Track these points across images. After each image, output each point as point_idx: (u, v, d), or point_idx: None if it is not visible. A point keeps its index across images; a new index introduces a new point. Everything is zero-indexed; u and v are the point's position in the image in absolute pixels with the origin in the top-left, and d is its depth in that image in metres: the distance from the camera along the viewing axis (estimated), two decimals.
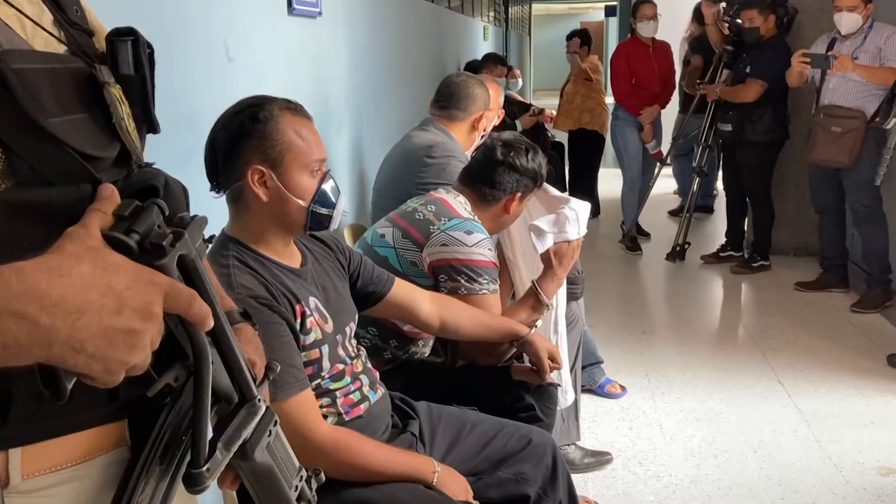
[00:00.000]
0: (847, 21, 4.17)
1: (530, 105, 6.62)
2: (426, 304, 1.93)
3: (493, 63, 6.11)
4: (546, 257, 2.18)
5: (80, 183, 0.72)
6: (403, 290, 1.89)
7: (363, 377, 1.70)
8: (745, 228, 5.37)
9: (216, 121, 1.52)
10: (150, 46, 0.89)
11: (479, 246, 2.13)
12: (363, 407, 1.67)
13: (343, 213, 1.61)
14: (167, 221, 0.74)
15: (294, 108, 1.54)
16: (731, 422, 3.13)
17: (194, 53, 1.93)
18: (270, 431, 0.89)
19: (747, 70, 4.85)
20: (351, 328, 1.70)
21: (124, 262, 0.65)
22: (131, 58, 0.82)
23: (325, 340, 1.59)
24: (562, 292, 2.34)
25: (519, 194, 2.25)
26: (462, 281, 2.10)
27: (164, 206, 0.73)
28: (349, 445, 1.55)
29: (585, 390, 3.35)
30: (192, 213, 0.78)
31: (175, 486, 0.78)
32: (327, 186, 1.55)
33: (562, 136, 7.37)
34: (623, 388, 3.41)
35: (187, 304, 0.69)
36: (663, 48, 5.60)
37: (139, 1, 1.64)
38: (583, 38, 6.57)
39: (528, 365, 2.09)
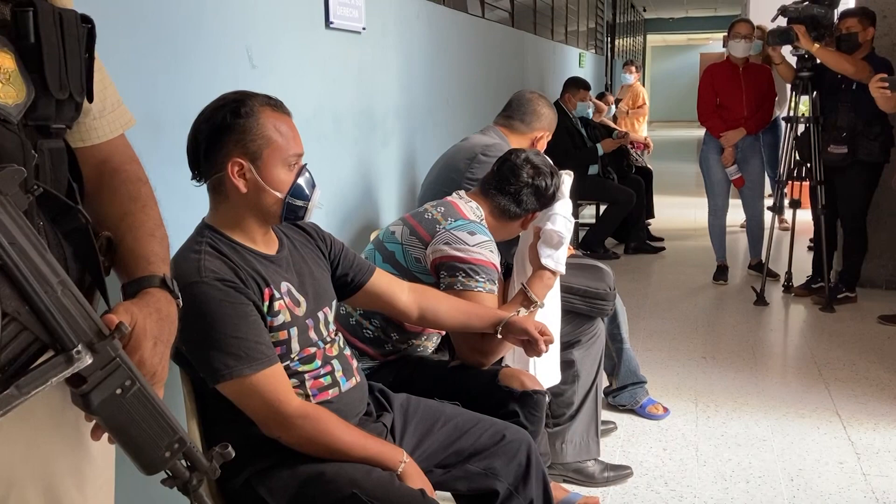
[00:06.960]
0: None
1: (614, 129, 6.58)
2: (404, 294, 1.98)
3: (576, 87, 6.12)
4: (534, 260, 2.22)
5: None
6: (382, 280, 1.95)
7: (335, 362, 1.75)
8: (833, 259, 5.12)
9: (200, 113, 1.63)
10: (88, 21, 1.02)
11: (480, 246, 2.18)
12: (332, 392, 1.71)
13: (318, 206, 1.69)
14: None
15: (274, 105, 1.64)
16: (773, 449, 3.00)
17: (210, 54, 2.06)
18: (123, 388, 0.96)
19: (853, 88, 4.52)
20: (325, 313, 1.76)
21: None
22: (33, 27, 0.93)
23: (294, 323, 1.66)
24: (555, 302, 2.34)
25: (538, 213, 2.37)
26: (459, 277, 2.14)
27: None
28: (318, 419, 1.61)
29: (626, 410, 3.31)
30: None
31: None
32: (303, 180, 1.65)
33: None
34: (666, 409, 3.33)
35: None
36: (758, 71, 5.30)
37: None
38: None
39: (518, 368, 2.10)
